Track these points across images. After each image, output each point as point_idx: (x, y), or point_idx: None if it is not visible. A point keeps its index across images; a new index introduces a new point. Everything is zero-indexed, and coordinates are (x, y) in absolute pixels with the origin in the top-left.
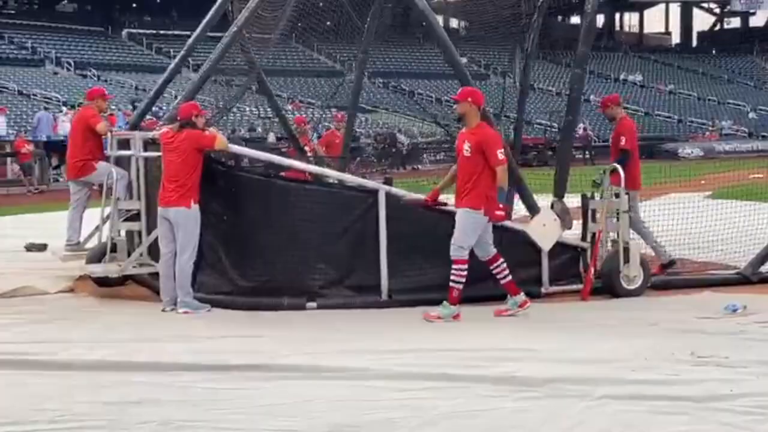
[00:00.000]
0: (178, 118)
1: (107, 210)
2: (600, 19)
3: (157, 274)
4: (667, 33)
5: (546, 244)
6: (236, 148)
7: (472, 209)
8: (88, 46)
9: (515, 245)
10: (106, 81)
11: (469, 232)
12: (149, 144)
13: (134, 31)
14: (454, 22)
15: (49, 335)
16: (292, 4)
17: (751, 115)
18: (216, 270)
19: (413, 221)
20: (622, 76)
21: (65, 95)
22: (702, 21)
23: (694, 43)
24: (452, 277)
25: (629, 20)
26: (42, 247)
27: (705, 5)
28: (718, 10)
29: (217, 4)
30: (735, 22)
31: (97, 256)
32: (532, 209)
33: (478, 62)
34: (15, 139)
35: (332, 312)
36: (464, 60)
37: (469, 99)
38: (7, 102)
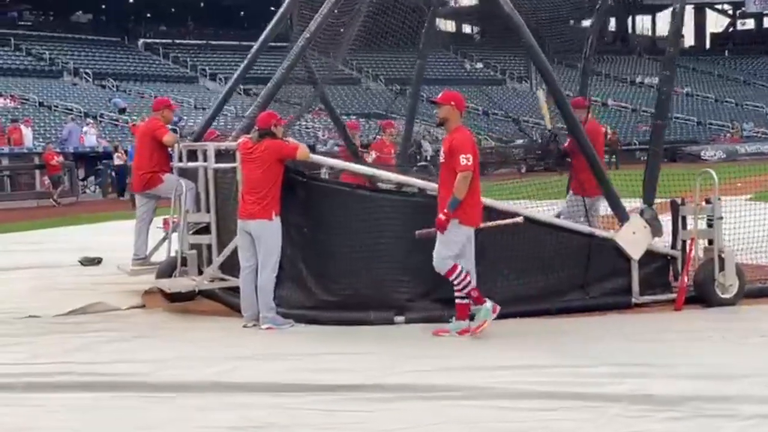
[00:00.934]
0: (257, 127)
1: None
2: (612, 22)
3: (229, 288)
4: (681, 36)
5: (636, 252)
6: (318, 158)
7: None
8: (105, 57)
9: (603, 254)
10: (125, 91)
11: (450, 245)
12: (219, 155)
13: (150, 40)
14: (467, 28)
15: (137, 354)
16: (363, 12)
17: None
18: (297, 284)
19: (500, 232)
20: (638, 79)
21: (85, 106)
22: (715, 23)
23: (708, 45)
24: (455, 292)
25: (641, 23)
26: (97, 261)
27: (719, 6)
28: (731, 12)
29: (278, 14)
30: (749, 24)
31: (167, 271)
32: (621, 217)
33: (494, 67)
34: (44, 151)
35: (416, 326)
36: (480, 65)
37: (452, 102)
38: (29, 114)
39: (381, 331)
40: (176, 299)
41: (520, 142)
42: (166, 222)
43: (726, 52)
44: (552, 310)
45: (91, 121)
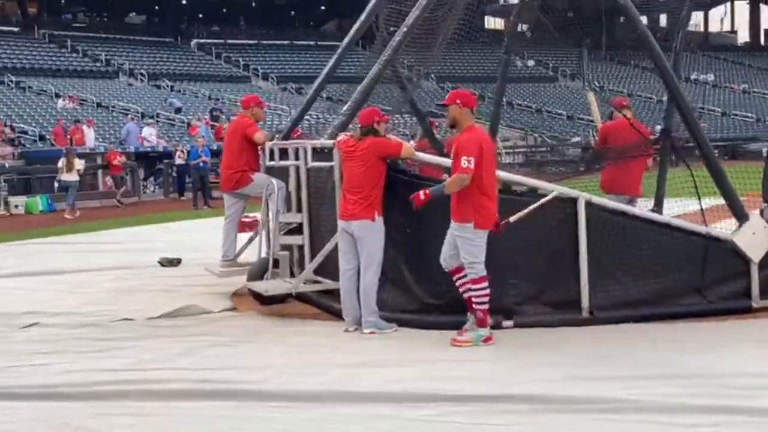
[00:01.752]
0: (359, 125)
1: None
2: (663, 19)
3: (323, 291)
4: (733, 32)
5: (756, 254)
6: (423, 156)
7: (461, 224)
8: (158, 57)
9: (720, 256)
10: (179, 91)
11: (473, 250)
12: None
13: (203, 41)
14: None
15: (245, 360)
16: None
17: None
18: (398, 287)
19: (614, 232)
20: (693, 76)
21: (142, 106)
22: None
23: (762, 41)
24: (474, 300)
25: (694, 19)
26: (176, 262)
27: None
28: None
29: (366, 12)
30: None
31: (259, 273)
32: (740, 217)
33: (546, 65)
34: (106, 152)
35: (525, 331)
36: (531, 63)
37: (457, 101)
38: (87, 114)
39: None
40: (268, 302)
41: (576, 140)
42: (240, 222)
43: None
44: (667, 315)
45: (152, 121)
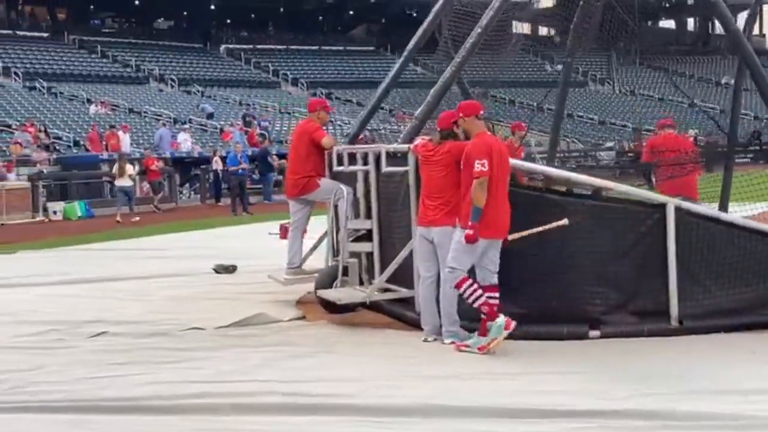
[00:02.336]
0: (438, 128)
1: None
2: (690, 23)
3: (396, 299)
4: (762, 35)
5: None
6: (514, 162)
7: (462, 228)
8: (188, 63)
9: None
10: (210, 96)
11: (461, 257)
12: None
13: (232, 46)
14: (543, 30)
15: (329, 372)
16: None
17: None
18: None
19: (703, 238)
20: (723, 80)
21: (174, 111)
22: None
23: None
24: (471, 300)
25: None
26: (232, 269)
27: None
28: None
29: (431, 16)
30: None
31: (328, 281)
32: None
33: (576, 69)
34: (143, 157)
35: (607, 341)
36: (560, 67)
37: (460, 114)
38: (120, 120)
39: (573, 347)
40: (337, 310)
41: (609, 144)
42: (284, 228)
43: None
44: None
45: (186, 126)
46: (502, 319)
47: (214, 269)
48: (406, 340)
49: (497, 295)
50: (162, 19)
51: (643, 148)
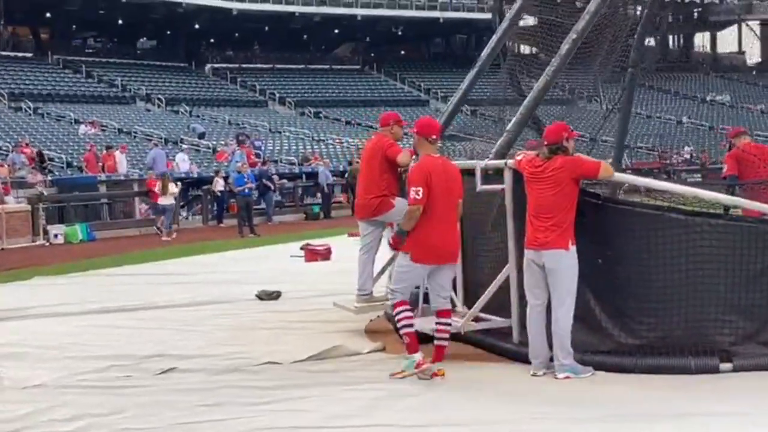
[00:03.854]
0: (545, 142)
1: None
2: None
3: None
4: (741, 53)
5: None
6: (625, 177)
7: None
8: (174, 83)
9: None
10: (199, 116)
11: (402, 276)
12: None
13: (218, 65)
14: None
15: (451, 414)
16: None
17: None
18: (587, 324)
19: None
20: (709, 97)
21: (163, 131)
22: None
23: None
24: (399, 324)
25: (701, 40)
26: (276, 296)
27: None
28: None
29: (500, 30)
30: None
31: None
32: None
33: (563, 87)
34: (146, 178)
35: (741, 375)
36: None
37: (415, 130)
38: (110, 140)
39: (704, 382)
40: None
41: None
42: (310, 251)
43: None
44: None
45: (186, 146)
46: (418, 356)
47: (257, 296)
48: (513, 375)
49: (449, 320)
50: (144, 38)
51: (724, 161)
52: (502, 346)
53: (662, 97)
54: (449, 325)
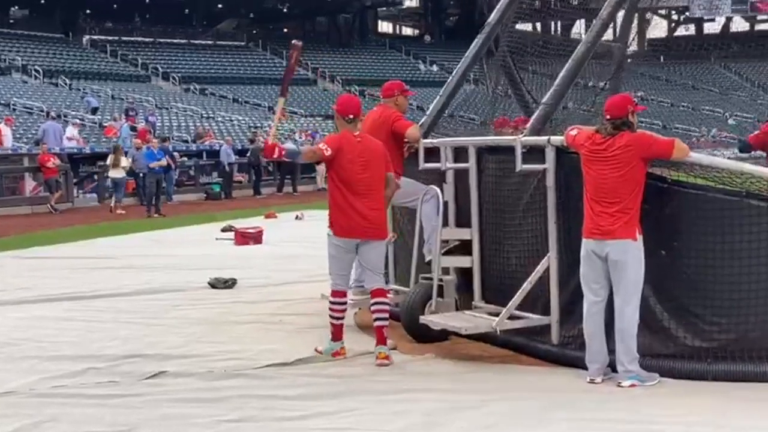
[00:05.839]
0: (607, 116)
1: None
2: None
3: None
4: (615, 41)
5: None
6: (700, 157)
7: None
8: (52, 54)
9: None
10: (79, 90)
11: (329, 258)
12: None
13: (96, 37)
14: (406, 30)
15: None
16: None
17: (731, 121)
18: (645, 324)
19: None
20: (591, 84)
21: (45, 104)
22: (656, 28)
23: (647, 49)
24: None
25: (577, 28)
26: (231, 283)
27: (662, 12)
28: (676, 17)
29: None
30: (691, 29)
31: (423, 303)
32: None
33: (449, 69)
34: (30, 153)
35: None
36: (435, 68)
37: (335, 107)
38: None
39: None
40: (426, 339)
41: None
42: (241, 234)
43: (667, 57)
44: None
45: (78, 121)
46: (337, 345)
47: (210, 284)
48: (564, 383)
49: (384, 300)
50: (16, 7)
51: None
52: (536, 347)
53: (545, 82)
54: (386, 304)
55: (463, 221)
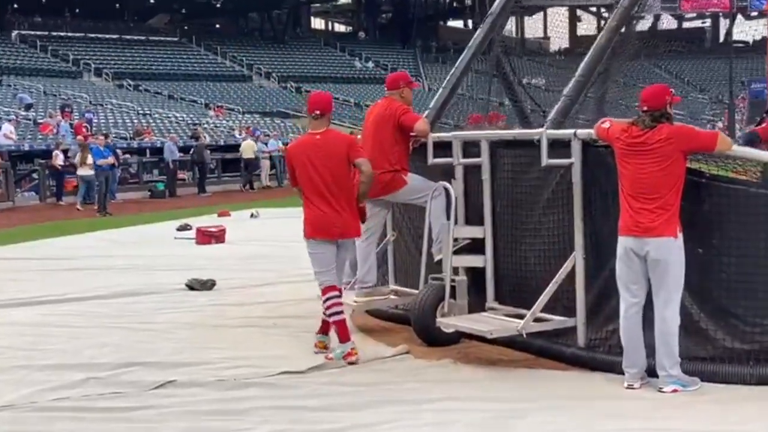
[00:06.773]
0: (644, 108)
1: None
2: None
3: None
4: (546, 38)
5: None
6: (745, 150)
7: None
8: None
9: None
10: (10, 86)
11: (311, 260)
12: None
13: (25, 32)
14: (339, 27)
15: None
16: None
17: None
18: (682, 326)
19: None
20: (525, 80)
21: None
22: (584, 26)
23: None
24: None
25: (508, 25)
26: (210, 285)
27: (593, 9)
28: (606, 14)
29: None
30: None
31: (432, 306)
32: None
33: (384, 66)
34: None
35: None
36: (371, 64)
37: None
38: None
39: None
40: (434, 342)
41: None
42: (203, 233)
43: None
44: None
45: (14, 118)
46: (347, 346)
47: (188, 285)
48: (599, 388)
49: (337, 293)
50: None
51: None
52: (561, 350)
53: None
54: (339, 296)
55: (472, 219)
